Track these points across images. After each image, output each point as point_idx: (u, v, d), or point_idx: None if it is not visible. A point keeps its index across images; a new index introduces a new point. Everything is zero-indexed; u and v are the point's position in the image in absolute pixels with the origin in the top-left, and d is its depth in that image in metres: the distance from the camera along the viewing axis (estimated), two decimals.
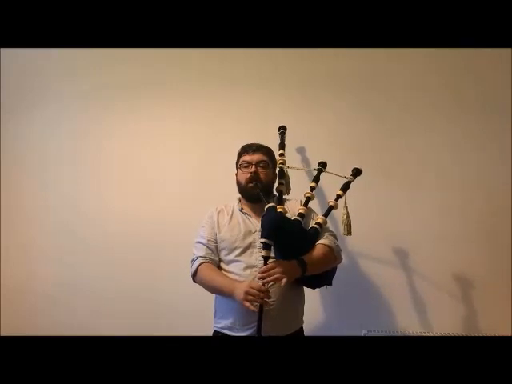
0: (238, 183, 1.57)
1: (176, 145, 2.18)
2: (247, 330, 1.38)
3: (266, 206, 1.44)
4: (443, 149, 2.02)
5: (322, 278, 1.48)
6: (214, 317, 1.51)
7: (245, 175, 1.53)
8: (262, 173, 1.52)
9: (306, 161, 2.06)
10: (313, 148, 2.06)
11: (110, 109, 2.24)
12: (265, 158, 1.55)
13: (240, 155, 1.58)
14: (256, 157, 1.53)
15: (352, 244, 1.96)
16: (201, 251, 1.50)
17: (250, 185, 1.50)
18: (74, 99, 2.28)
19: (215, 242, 1.51)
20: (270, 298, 1.33)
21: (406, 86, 2.08)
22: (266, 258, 1.37)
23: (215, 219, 1.55)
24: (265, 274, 1.32)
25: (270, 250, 1.38)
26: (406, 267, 1.96)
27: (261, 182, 1.51)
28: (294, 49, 2.05)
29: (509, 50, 1.99)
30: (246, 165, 1.54)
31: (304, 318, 1.53)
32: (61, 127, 2.27)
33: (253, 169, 1.51)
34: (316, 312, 1.96)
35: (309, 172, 1.97)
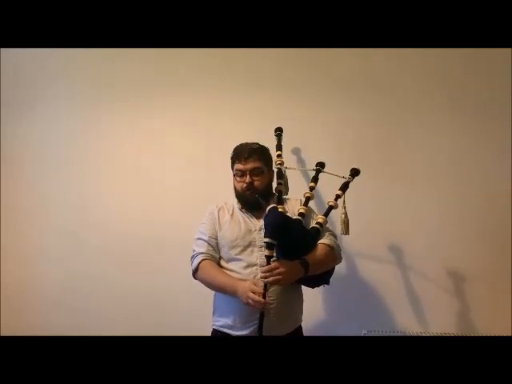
0: (235, 190, 1.56)
1: (176, 145, 2.18)
2: (247, 328, 1.39)
3: (268, 207, 1.44)
4: (443, 148, 2.02)
5: (321, 277, 1.48)
6: (213, 315, 1.51)
7: (240, 184, 1.51)
8: (256, 181, 1.49)
9: (305, 161, 2.06)
10: (312, 148, 2.06)
11: (109, 109, 2.23)
12: (258, 164, 1.50)
13: (233, 162, 1.56)
14: (249, 165, 1.49)
15: (353, 244, 1.96)
16: (202, 247, 1.49)
17: (247, 193, 1.49)
18: (73, 99, 2.27)
19: (216, 238, 1.51)
20: (266, 302, 1.33)
21: (405, 85, 2.08)
22: (268, 258, 1.37)
23: (216, 216, 1.54)
24: (267, 274, 1.33)
25: (273, 249, 1.37)
26: (406, 266, 1.96)
27: (256, 190, 1.49)
28: (294, 49, 2.05)
29: (509, 49, 1.98)
30: (240, 174, 1.51)
31: (304, 318, 1.53)
32: (61, 127, 2.27)
33: (247, 179, 1.48)
34: (316, 312, 1.96)
35: (309, 172, 1.97)
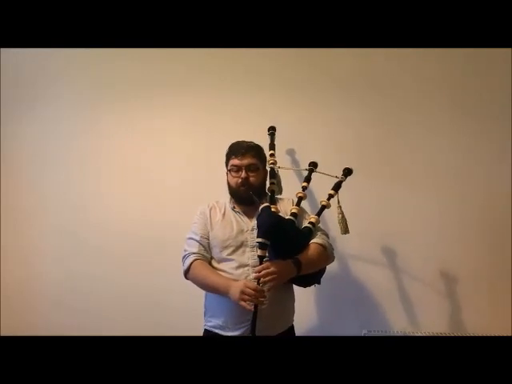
0: (229, 186, 1.56)
1: (176, 145, 2.18)
2: (239, 329, 1.39)
3: (261, 206, 1.44)
4: (443, 148, 2.02)
5: (313, 276, 1.49)
6: (204, 315, 1.52)
7: (235, 180, 1.51)
8: (252, 177, 1.50)
9: (305, 161, 2.06)
10: (313, 148, 2.05)
11: (109, 109, 2.23)
12: (254, 160, 1.52)
13: (228, 157, 1.56)
14: (245, 161, 1.50)
15: (352, 243, 1.96)
16: (193, 247, 1.49)
17: (242, 188, 1.49)
18: (73, 99, 2.27)
19: (208, 238, 1.51)
20: (265, 297, 1.33)
21: (405, 85, 2.08)
22: (261, 258, 1.38)
23: (208, 215, 1.54)
24: (260, 274, 1.33)
25: (266, 249, 1.38)
26: (405, 267, 1.96)
27: (251, 186, 1.49)
28: (294, 49, 2.05)
29: (509, 50, 1.98)
30: (235, 169, 1.52)
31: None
32: (61, 127, 2.27)
33: (243, 174, 1.49)
34: (313, 312, 1.96)
35: (305, 172, 1.97)
